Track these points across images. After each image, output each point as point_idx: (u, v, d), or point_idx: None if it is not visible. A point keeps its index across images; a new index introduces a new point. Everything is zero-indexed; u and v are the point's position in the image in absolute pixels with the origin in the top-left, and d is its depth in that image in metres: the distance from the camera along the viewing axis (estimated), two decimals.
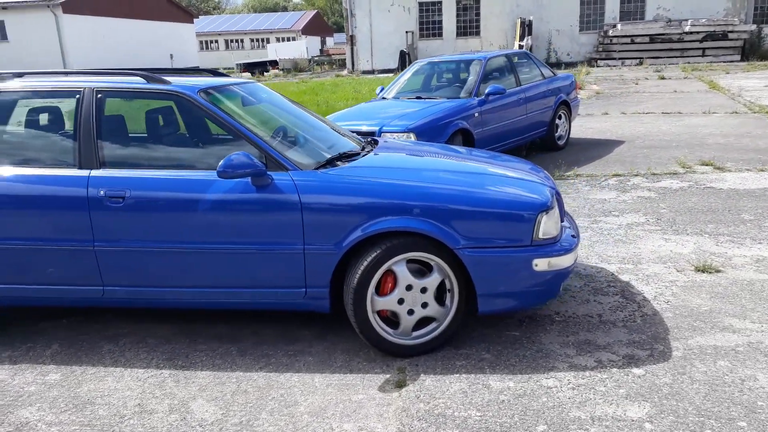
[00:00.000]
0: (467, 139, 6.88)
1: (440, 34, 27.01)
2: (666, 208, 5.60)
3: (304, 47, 34.74)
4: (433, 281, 3.06)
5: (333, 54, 37.46)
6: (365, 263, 3.00)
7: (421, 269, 3.10)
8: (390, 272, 3.05)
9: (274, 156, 3.11)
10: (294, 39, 46.52)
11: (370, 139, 4.07)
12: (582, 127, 10.39)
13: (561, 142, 8.61)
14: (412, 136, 6.20)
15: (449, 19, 26.79)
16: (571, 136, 9.40)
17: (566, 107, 8.63)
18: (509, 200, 3.06)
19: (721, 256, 4.36)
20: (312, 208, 3.02)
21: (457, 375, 2.95)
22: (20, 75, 3.42)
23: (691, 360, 3.01)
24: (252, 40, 49.48)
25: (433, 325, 3.15)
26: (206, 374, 3.04)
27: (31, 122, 3.40)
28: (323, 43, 51.49)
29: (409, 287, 3.05)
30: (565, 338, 3.29)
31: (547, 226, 3.07)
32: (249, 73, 28.44)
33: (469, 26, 26.92)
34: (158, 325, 3.57)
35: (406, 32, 26.59)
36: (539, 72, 8.39)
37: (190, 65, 41.68)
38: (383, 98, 7.85)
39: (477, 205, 3.02)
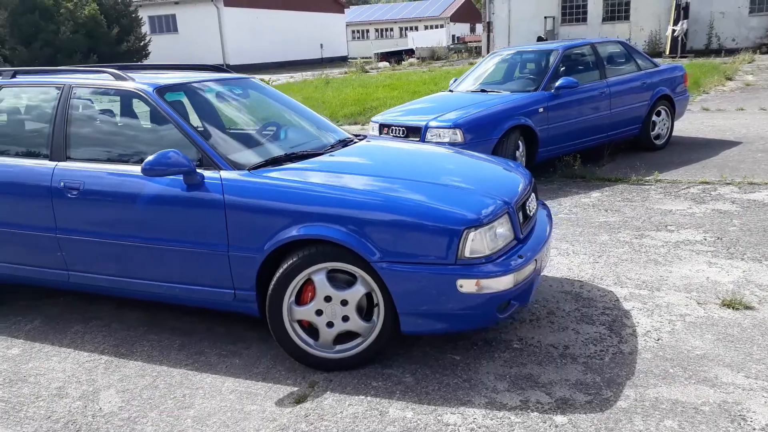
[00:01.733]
0: (529, 137, 6.40)
1: (584, 19, 25.43)
2: (737, 225, 4.79)
3: (443, 35, 34.45)
4: (354, 294, 2.88)
5: (469, 42, 36.75)
6: (281, 270, 2.90)
7: (351, 281, 2.93)
8: (310, 281, 2.92)
9: (209, 155, 3.09)
10: (441, 26, 46.38)
11: (347, 139, 3.88)
12: (702, 124, 9.25)
13: (659, 142, 7.72)
14: (459, 133, 5.90)
15: (595, 2, 25.11)
16: (680, 134, 8.42)
17: (668, 103, 7.70)
18: (433, 213, 2.77)
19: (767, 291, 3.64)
20: (235, 210, 2.97)
21: (362, 397, 2.76)
22: (14, 74, 3.72)
23: (631, 415, 2.54)
24: (401, 29, 50.12)
25: (358, 340, 2.97)
26: (135, 365, 3.14)
27: (18, 115, 3.70)
28: (472, 29, 50.76)
29: (327, 298, 2.90)
30: (507, 369, 2.95)
31: (477, 244, 2.74)
32: (386, 62, 28.85)
33: (617, 9, 25.06)
34: (129, 312, 3.74)
35: (545, 17, 25.35)
36: (634, 63, 7.56)
37: (339, 55, 43.25)
38: (450, 91, 7.55)
39: (398, 216, 2.77)
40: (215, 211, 3.00)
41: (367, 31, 51.95)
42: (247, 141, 3.48)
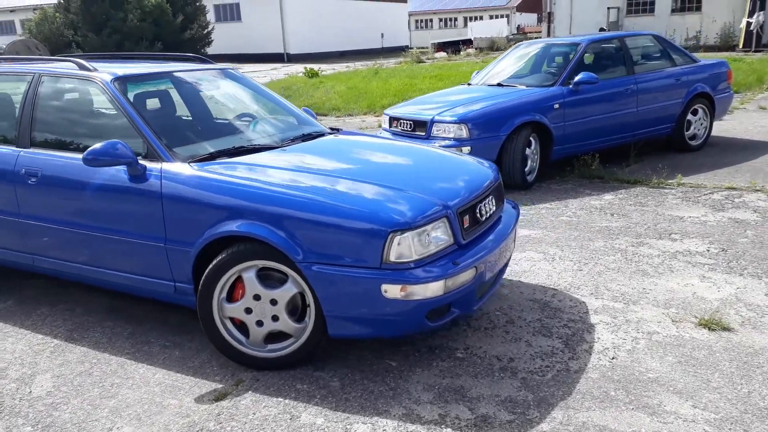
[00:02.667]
0: (543, 135, 6.13)
1: (651, 10, 24.27)
2: (749, 237, 4.43)
3: (504, 26, 33.61)
4: (283, 294, 2.81)
5: (529, 32, 35.75)
6: (210, 266, 2.87)
7: (284, 280, 2.86)
8: (241, 279, 2.87)
9: (154, 146, 3.08)
10: (506, 16, 45.38)
11: (314, 132, 3.79)
12: (753, 124, 8.65)
13: (695, 143, 7.25)
14: (464, 128, 5.71)
15: None
16: (723, 135, 7.89)
17: (707, 101, 7.21)
18: (359, 215, 2.65)
19: (756, 311, 3.34)
20: (172, 202, 2.95)
21: (281, 399, 2.69)
22: None
23: None
24: (465, 18, 49.33)
25: (291, 340, 2.90)
26: (80, 350, 3.19)
27: None
28: (539, 20, 49.38)
29: (257, 297, 2.85)
30: (439, 379, 2.81)
31: (404, 248, 2.62)
32: (443, 53, 28.47)
33: (688, 0, 23.76)
34: (96, 297, 3.80)
35: (609, 8, 24.34)
36: (668, 58, 7.11)
37: (400, 44, 43.02)
38: (468, 84, 7.33)
39: (324, 216, 2.67)
40: (154, 202, 2.99)
41: (431, 20, 51.42)
42: (202, 133, 3.45)
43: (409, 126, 6.14)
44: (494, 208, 3.22)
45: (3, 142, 3.57)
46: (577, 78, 6.18)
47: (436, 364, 2.95)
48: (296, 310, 2.87)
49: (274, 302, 2.83)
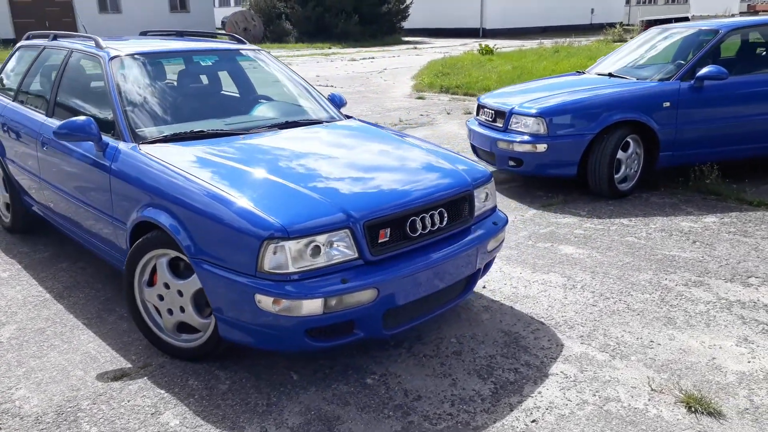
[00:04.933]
0: (647, 137, 5.23)
1: None
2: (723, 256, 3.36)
3: (735, 2, 29.14)
4: (188, 286, 2.76)
5: (761, 10, 30.50)
6: (130, 250, 2.92)
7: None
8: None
9: (119, 125, 3.19)
10: None
11: (306, 120, 3.63)
12: None
13: None
14: (542, 123, 5.10)
15: None
16: None
17: None
18: (242, 218, 2.47)
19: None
20: (116, 180, 3.04)
21: (162, 392, 2.66)
22: (54, 37, 4.23)
23: None
24: None
25: (200, 334, 2.85)
26: (56, 309, 3.45)
27: (45, 72, 4.22)
28: None
29: (167, 285, 2.84)
30: (322, 405, 2.56)
31: (280, 258, 2.40)
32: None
33: None
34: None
35: None
36: None
37: (614, 20, 39.77)
38: (578, 72, 6.48)
39: (214, 214, 2.54)
40: (105, 178, 3.11)
41: None
42: (183, 115, 3.45)
43: (490, 116, 5.64)
44: (442, 223, 2.81)
45: (42, 111, 3.96)
46: (700, 72, 5.13)
47: (336, 386, 2.70)
48: (204, 304, 2.80)
49: (180, 293, 2.79)
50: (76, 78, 3.82)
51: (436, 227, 2.79)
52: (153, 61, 3.65)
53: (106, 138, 3.21)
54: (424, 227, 2.74)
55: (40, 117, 3.87)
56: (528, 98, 5.47)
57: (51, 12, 27.68)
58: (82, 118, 3.16)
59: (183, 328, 2.90)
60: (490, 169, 6.06)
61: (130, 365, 2.89)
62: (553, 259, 4.02)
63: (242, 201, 2.54)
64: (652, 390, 2.62)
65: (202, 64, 3.87)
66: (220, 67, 4.00)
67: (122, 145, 3.11)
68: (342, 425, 2.44)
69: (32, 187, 4.02)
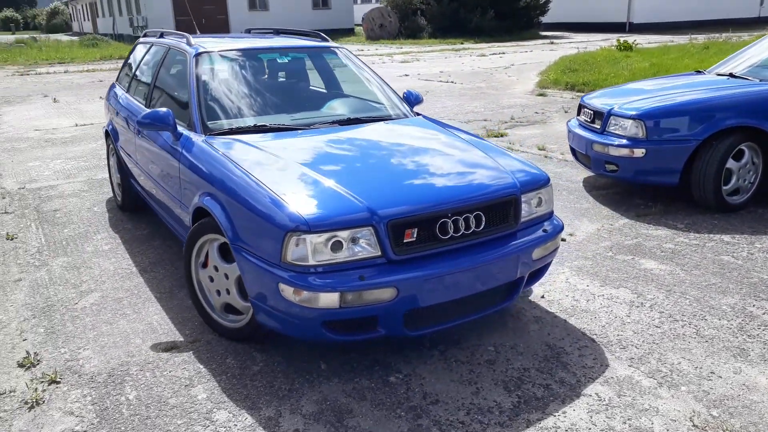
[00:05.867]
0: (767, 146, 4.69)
1: None
2: None
3: None
4: (233, 270, 2.92)
5: None
6: (188, 233, 3.14)
7: None
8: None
9: (192, 117, 3.44)
10: None
11: (370, 117, 3.69)
12: None
13: None
14: (641, 126, 4.75)
15: None
16: None
17: None
18: (270, 210, 2.57)
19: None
20: (183, 168, 3.29)
21: (201, 367, 2.84)
22: (162, 35, 4.62)
23: None
24: None
25: (243, 316, 3.02)
26: (137, 282, 3.80)
27: (149, 67, 4.61)
28: None
29: (216, 268, 3.02)
30: (339, 397, 2.61)
31: (301, 250, 2.47)
32: None
33: None
34: None
35: None
36: None
37: None
38: (697, 72, 5.89)
39: (249, 204, 2.67)
40: (177, 165, 3.36)
41: None
42: (255, 109, 3.62)
43: (589, 117, 5.34)
44: (479, 226, 2.73)
45: (142, 102, 4.35)
46: None
47: (359, 380, 2.73)
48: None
49: (227, 276, 2.97)
50: (170, 72, 4.16)
51: (471, 231, 2.72)
52: (234, 58, 3.88)
53: (181, 128, 3.47)
54: (456, 230, 2.68)
55: (140, 107, 4.26)
56: (631, 99, 5.10)
57: (207, 10, 30.10)
58: (163, 109, 3.45)
59: (230, 309, 3.07)
60: (585, 174, 5.77)
61: (182, 339, 3.12)
62: (629, 274, 3.74)
63: (274, 193, 2.64)
64: (693, 425, 2.38)
65: (280, 61, 4.04)
66: (297, 64, 4.16)
67: (192, 136, 3.35)
68: (352, 419, 2.47)
69: (134, 170, 4.45)
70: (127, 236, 4.57)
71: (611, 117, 5.00)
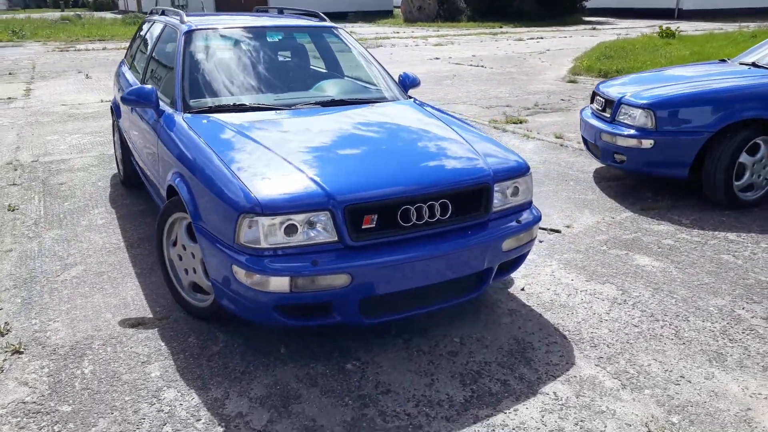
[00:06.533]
0: None
1: None
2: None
3: None
4: (198, 249, 2.90)
5: None
6: (160, 211, 3.14)
7: None
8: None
9: (175, 94, 3.42)
10: None
11: (355, 99, 3.62)
12: None
13: None
14: (650, 116, 4.56)
15: None
16: None
17: None
18: (226, 190, 2.54)
19: None
20: (161, 145, 3.28)
21: (162, 344, 2.85)
22: (163, 12, 4.61)
23: None
24: None
25: (209, 295, 3.01)
26: (129, 255, 3.84)
27: (147, 44, 4.61)
28: None
29: (184, 247, 3.02)
30: (292, 383, 2.58)
31: (254, 233, 2.43)
32: None
33: None
34: None
35: None
36: None
37: None
38: (722, 61, 5.60)
39: (208, 184, 2.65)
40: (156, 142, 3.36)
41: None
42: (238, 88, 3.58)
43: (601, 105, 5.14)
44: (445, 215, 2.65)
45: (139, 78, 4.37)
46: None
47: (314, 365, 2.69)
48: None
49: (193, 256, 2.96)
50: (164, 50, 4.15)
51: (435, 219, 2.64)
52: (225, 37, 3.85)
53: (163, 106, 3.46)
54: (420, 218, 2.60)
55: (135, 84, 4.28)
56: (645, 87, 4.89)
57: None
58: (148, 86, 3.45)
59: (198, 288, 3.06)
60: (597, 165, 5.56)
61: (151, 316, 3.13)
62: (619, 269, 3.60)
63: (234, 173, 2.61)
64: (648, 431, 2.26)
65: (270, 40, 3.97)
66: (290, 43, 4.10)
67: (173, 113, 3.33)
68: (298, 405, 2.43)
69: (130, 146, 4.48)
70: (124, 211, 4.62)
71: (621, 106, 4.80)
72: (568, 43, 17.93)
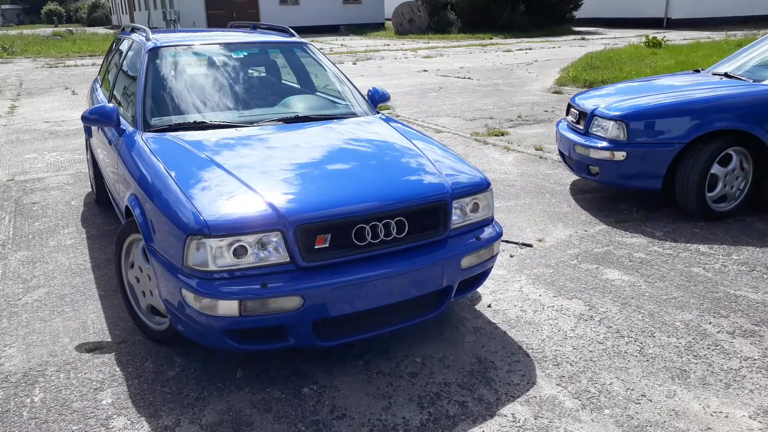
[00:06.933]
0: (760, 152, 4.42)
1: None
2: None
3: None
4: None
5: None
6: (118, 232, 3.09)
7: None
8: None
9: (137, 113, 3.39)
10: None
11: (319, 116, 3.58)
12: None
13: None
14: (622, 127, 4.54)
15: None
16: None
17: None
18: (176, 212, 2.49)
19: None
20: (120, 164, 3.24)
21: (117, 370, 2.79)
22: (133, 30, 4.59)
23: None
24: None
25: (166, 318, 2.95)
26: (87, 279, 3.79)
27: (114, 62, 4.58)
28: None
29: (141, 269, 2.97)
30: (243, 407, 2.52)
31: (202, 255, 2.39)
32: None
33: None
34: None
35: None
36: None
37: None
38: (695, 71, 5.60)
39: (161, 206, 2.59)
40: (117, 159, 3.32)
41: None
42: (200, 106, 3.55)
43: (575, 117, 5.12)
44: (402, 233, 2.61)
45: (106, 96, 4.34)
46: None
47: (270, 390, 2.64)
48: None
49: (149, 278, 2.91)
50: (130, 67, 4.12)
51: (392, 237, 2.60)
52: (189, 54, 3.82)
53: (125, 124, 3.42)
54: (375, 236, 2.56)
55: (103, 102, 4.24)
56: (618, 99, 4.87)
57: (239, 4, 30.31)
58: (109, 105, 3.41)
59: (156, 311, 3.01)
60: (575, 177, 5.54)
61: (110, 340, 3.08)
62: (588, 284, 3.56)
63: (184, 194, 2.56)
64: None
65: (237, 56, 3.94)
66: (257, 60, 4.07)
67: (132, 132, 3.30)
68: (251, 426, 2.38)
69: (100, 165, 4.43)
70: (94, 231, 4.57)
71: (594, 118, 4.78)
72: (556, 53, 18.00)
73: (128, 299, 3.13)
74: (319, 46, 22.48)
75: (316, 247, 2.48)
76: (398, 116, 8.98)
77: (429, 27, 28.01)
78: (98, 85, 4.95)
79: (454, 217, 2.80)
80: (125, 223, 3.01)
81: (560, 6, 28.04)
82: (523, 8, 26.52)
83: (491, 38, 24.36)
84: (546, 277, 3.66)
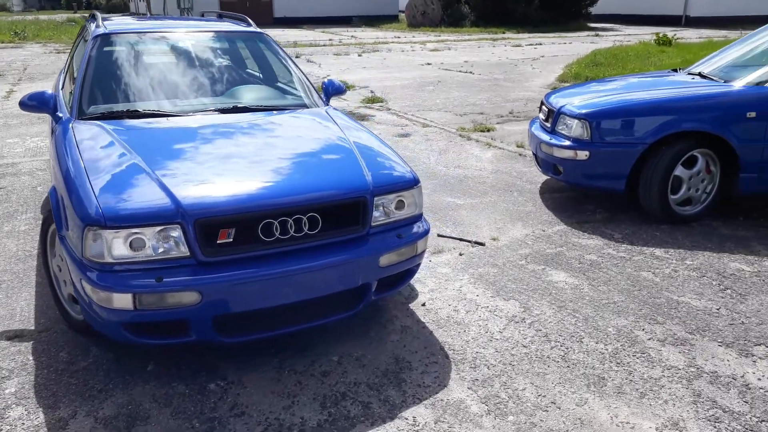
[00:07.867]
0: (727, 154, 4.29)
1: None
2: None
3: None
4: None
5: None
6: (42, 220, 3.07)
7: None
8: None
9: (74, 100, 3.36)
10: None
11: (259, 106, 3.53)
12: None
13: None
14: (586, 126, 4.43)
15: None
16: None
17: None
18: (83, 200, 2.46)
19: None
20: (52, 152, 3.21)
21: (29, 359, 2.77)
22: (93, 17, 4.56)
23: None
24: None
25: None
26: (29, 266, 3.79)
27: (74, 49, 4.56)
28: None
29: (61, 258, 2.94)
30: (142, 401, 2.49)
31: (98, 247, 2.35)
32: None
33: None
34: None
35: None
36: None
37: None
38: (673, 70, 5.44)
39: (70, 195, 2.56)
40: (52, 147, 3.29)
41: None
42: (140, 95, 3.51)
43: (545, 114, 5.01)
44: (315, 229, 2.55)
45: (61, 86, 4.31)
46: None
47: (176, 385, 2.60)
48: None
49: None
50: (81, 54, 4.09)
51: (302, 233, 2.54)
52: (136, 42, 3.78)
53: (62, 112, 3.39)
54: (285, 232, 2.51)
55: (58, 90, 4.23)
56: (588, 97, 4.76)
57: None
58: (49, 92, 3.38)
59: (77, 300, 2.99)
60: (544, 177, 5.42)
61: (33, 328, 3.06)
62: (529, 285, 3.47)
63: (90, 184, 2.53)
64: None
65: (181, 45, 3.90)
66: (208, 49, 4.01)
67: (67, 119, 3.27)
68: (142, 427, 2.35)
69: None
70: None
71: (560, 116, 4.67)
72: (566, 49, 17.74)
73: (54, 288, 3.11)
74: (328, 37, 22.41)
75: (218, 241, 2.44)
76: (390, 109, 8.90)
77: (442, 20, 27.78)
78: (62, 75, 4.94)
79: (375, 214, 2.74)
80: (47, 212, 2.99)
81: (576, 1, 27.63)
82: (537, 2, 26.17)
83: (504, 33, 24.09)
84: (489, 277, 3.58)
